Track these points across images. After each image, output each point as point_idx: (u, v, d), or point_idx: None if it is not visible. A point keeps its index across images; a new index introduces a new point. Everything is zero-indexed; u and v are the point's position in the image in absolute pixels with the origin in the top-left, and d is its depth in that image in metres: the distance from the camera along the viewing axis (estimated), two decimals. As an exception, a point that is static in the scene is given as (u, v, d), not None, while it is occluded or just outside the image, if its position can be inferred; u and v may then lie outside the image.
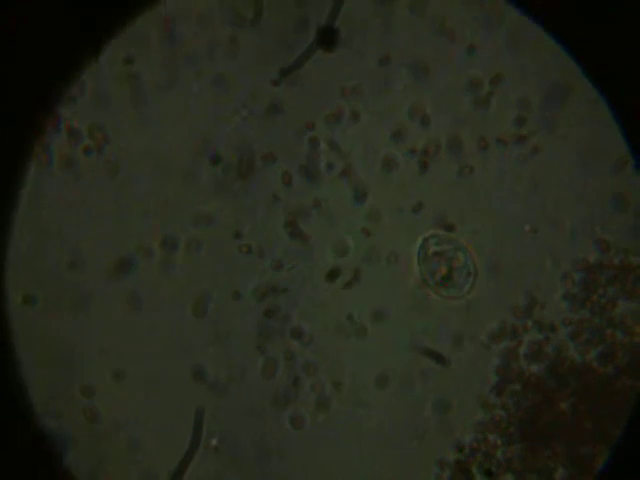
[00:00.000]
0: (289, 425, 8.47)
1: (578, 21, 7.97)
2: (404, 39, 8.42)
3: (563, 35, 8.02)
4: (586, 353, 8.42)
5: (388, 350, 8.48)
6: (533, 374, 8.43)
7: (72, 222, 8.43)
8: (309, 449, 8.49)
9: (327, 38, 8.17)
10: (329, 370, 8.47)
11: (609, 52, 7.97)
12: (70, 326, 8.42)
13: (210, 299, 8.44)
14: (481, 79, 8.39)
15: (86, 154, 8.41)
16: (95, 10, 8.00)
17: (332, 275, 8.35)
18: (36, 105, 8.04)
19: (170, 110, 8.43)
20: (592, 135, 8.40)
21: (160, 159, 8.44)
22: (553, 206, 8.44)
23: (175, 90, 8.41)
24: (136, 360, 8.43)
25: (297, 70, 8.26)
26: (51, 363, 8.41)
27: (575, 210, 8.44)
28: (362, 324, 8.44)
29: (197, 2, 8.34)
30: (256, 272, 8.45)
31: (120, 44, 8.29)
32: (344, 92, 8.41)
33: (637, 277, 8.40)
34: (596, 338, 8.42)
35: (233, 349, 8.46)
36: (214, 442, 8.41)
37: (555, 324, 8.41)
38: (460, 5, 8.35)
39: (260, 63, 8.38)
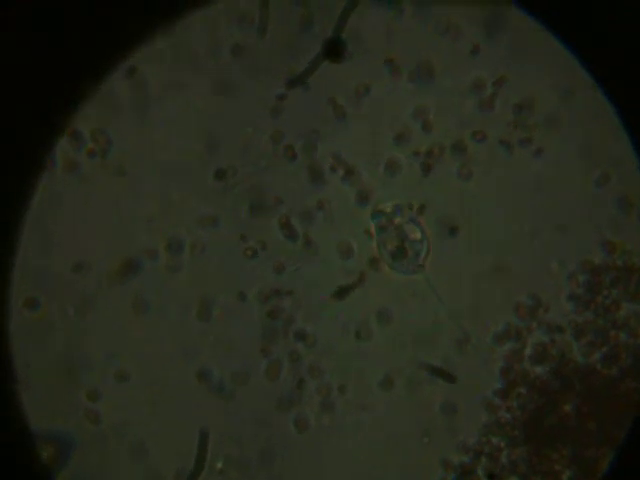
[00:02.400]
0: (293, 428, 8.46)
1: (580, 19, 7.97)
2: (408, 41, 8.43)
3: (565, 34, 8.03)
4: (590, 355, 8.42)
5: (394, 352, 8.48)
6: (538, 376, 8.43)
7: (76, 225, 8.43)
8: (313, 452, 8.47)
9: (334, 49, 8.17)
10: (333, 372, 8.46)
11: (612, 51, 7.97)
12: (75, 329, 8.41)
13: (215, 302, 8.43)
14: (485, 81, 8.39)
15: (90, 157, 8.40)
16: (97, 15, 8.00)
17: (340, 293, 8.39)
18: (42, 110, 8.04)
19: (173, 113, 8.43)
20: (596, 135, 8.40)
21: (164, 161, 8.44)
22: (557, 207, 8.44)
23: (178, 93, 8.41)
24: (141, 363, 8.42)
25: (303, 81, 8.27)
26: (55, 366, 8.40)
27: (579, 211, 8.44)
28: (369, 336, 8.44)
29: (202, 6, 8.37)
30: (261, 275, 8.45)
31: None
32: (348, 94, 8.42)
33: (640, 279, 8.43)
34: (600, 340, 8.41)
35: (237, 352, 8.45)
36: (219, 465, 8.39)
37: (560, 325, 8.41)
38: (464, 6, 8.35)
39: (265, 68, 8.39)
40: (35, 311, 8.39)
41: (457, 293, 8.47)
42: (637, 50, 7.91)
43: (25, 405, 8.31)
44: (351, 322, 8.47)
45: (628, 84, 7.95)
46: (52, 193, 8.42)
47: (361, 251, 8.47)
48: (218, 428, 8.45)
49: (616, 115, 8.11)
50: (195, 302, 8.44)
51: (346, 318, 8.48)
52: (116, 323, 8.43)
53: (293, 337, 8.44)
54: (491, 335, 8.45)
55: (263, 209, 8.28)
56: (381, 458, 8.49)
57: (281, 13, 8.33)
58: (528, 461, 8.39)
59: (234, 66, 8.41)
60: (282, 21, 8.34)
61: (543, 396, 8.41)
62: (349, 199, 8.47)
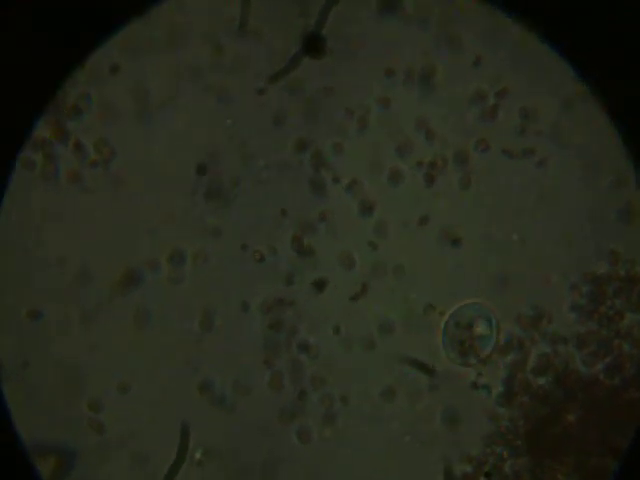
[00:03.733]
0: (295, 439, 8.46)
1: (580, 31, 7.97)
2: (409, 51, 8.43)
3: (563, 44, 8.03)
4: (593, 365, 8.41)
5: (395, 362, 8.47)
6: (540, 386, 8.42)
7: (78, 236, 8.43)
8: (315, 463, 8.47)
9: (313, 45, 8.19)
10: (336, 383, 8.46)
11: (611, 62, 7.98)
12: (77, 340, 8.41)
13: (217, 313, 8.43)
14: (487, 92, 8.39)
15: (92, 168, 8.40)
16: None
17: (319, 285, 8.37)
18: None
19: (176, 122, 8.43)
20: (598, 145, 8.40)
21: (166, 172, 8.44)
22: (560, 217, 8.44)
23: (181, 103, 8.42)
24: (142, 374, 8.42)
25: (284, 77, 8.26)
26: (57, 377, 8.40)
27: (582, 221, 8.43)
28: (351, 337, 8.43)
29: (201, 14, 8.36)
30: (263, 285, 8.45)
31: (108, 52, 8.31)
32: (350, 105, 8.42)
33: (643, 289, 8.42)
34: (603, 350, 8.41)
35: (240, 363, 8.45)
36: (198, 455, 8.39)
37: (563, 336, 8.40)
38: (466, 17, 8.36)
39: (265, 76, 8.40)
40: (37, 322, 8.39)
41: (460, 303, 8.47)
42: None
43: (26, 417, 8.32)
44: (353, 333, 8.49)
45: (627, 90, 7.95)
46: (54, 203, 8.42)
47: (363, 262, 8.47)
48: (220, 439, 8.45)
49: (614, 124, 8.11)
50: (197, 313, 8.44)
51: (348, 329, 8.48)
52: (118, 334, 8.43)
53: (296, 348, 8.44)
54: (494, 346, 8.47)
55: (220, 195, 8.26)
56: (383, 469, 8.49)
57: (284, 24, 8.34)
58: (532, 471, 8.38)
59: (236, 75, 8.41)
60: (285, 32, 8.34)
61: (546, 406, 8.40)
62: (352, 210, 8.47)
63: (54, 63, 7.99)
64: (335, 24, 8.35)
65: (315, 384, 8.44)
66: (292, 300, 8.44)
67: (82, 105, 8.36)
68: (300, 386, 8.43)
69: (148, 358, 8.42)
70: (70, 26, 7.99)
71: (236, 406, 8.45)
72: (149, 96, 8.37)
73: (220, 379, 8.44)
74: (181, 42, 8.37)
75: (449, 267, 8.47)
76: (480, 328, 8.39)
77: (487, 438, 8.44)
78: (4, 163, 8.03)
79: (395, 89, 8.41)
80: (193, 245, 8.44)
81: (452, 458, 8.44)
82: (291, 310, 8.44)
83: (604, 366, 8.40)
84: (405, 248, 8.48)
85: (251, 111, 8.41)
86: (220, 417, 8.45)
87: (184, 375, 8.44)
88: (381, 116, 8.42)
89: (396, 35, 8.38)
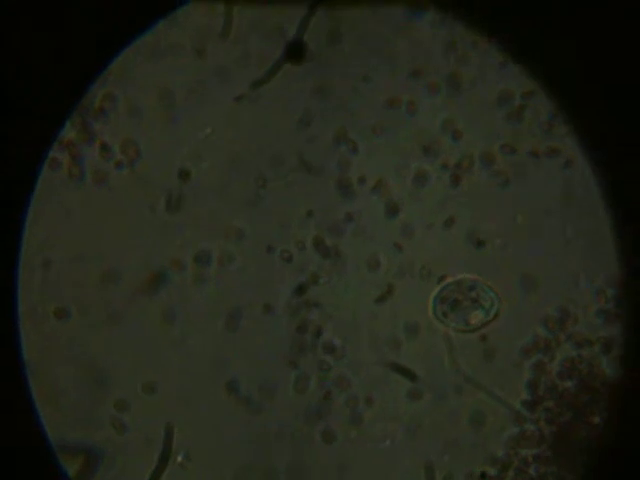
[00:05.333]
0: (320, 440, 8.46)
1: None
2: (435, 53, 8.43)
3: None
4: (619, 368, 8.39)
5: (421, 364, 8.48)
6: (566, 389, 8.40)
7: (104, 236, 8.46)
8: (341, 465, 8.47)
9: (295, 51, 8.21)
10: (361, 385, 8.47)
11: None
12: (103, 339, 8.45)
13: (242, 314, 8.45)
14: (513, 93, 8.38)
15: (118, 169, 8.44)
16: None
17: (300, 289, 8.38)
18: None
19: (202, 124, 8.46)
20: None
21: (193, 173, 8.47)
22: (586, 219, 8.42)
23: (206, 104, 8.44)
24: (168, 375, 8.44)
25: (264, 84, 8.28)
26: (83, 376, 8.43)
27: (608, 224, 8.41)
28: (377, 338, 8.42)
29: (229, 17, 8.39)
30: (288, 286, 8.46)
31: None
32: (375, 107, 8.43)
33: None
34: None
35: (265, 364, 8.46)
36: (180, 458, 8.40)
37: (588, 339, 8.38)
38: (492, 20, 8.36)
39: (293, 80, 8.41)
40: (64, 321, 8.43)
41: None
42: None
43: (51, 417, 8.36)
44: (379, 334, 8.50)
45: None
46: (79, 203, 8.46)
47: (390, 263, 8.48)
48: (246, 439, 8.46)
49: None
50: (223, 314, 8.46)
51: (374, 330, 8.49)
52: (144, 334, 8.46)
53: (321, 349, 8.45)
54: (519, 348, 8.45)
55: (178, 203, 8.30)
56: (407, 470, 8.49)
57: (310, 28, 8.36)
58: (557, 474, 8.36)
59: (261, 78, 8.43)
60: (310, 36, 8.36)
61: (571, 409, 8.38)
62: (377, 211, 8.48)
63: (81, 64, 8.03)
64: (361, 25, 8.37)
65: (341, 385, 8.45)
66: (317, 302, 8.46)
67: (108, 106, 8.40)
68: (325, 387, 8.44)
69: (173, 358, 8.45)
70: (96, 28, 8.03)
71: (261, 407, 8.46)
72: (176, 97, 8.40)
73: (245, 380, 8.45)
74: (208, 44, 8.40)
75: (475, 268, 8.46)
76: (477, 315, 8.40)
77: (512, 441, 8.42)
78: (31, 164, 8.07)
79: (421, 90, 8.41)
80: (219, 246, 8.46)
81: (476, 460, 8.44)
82: (316, 311, 8.45)
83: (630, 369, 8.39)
84: (431, 249, 8.48)
85: (278, 111, 8.43)
86: (245, 418, 8.47)
87: (209, 376, 8.46)
88: (407, 117, 8.43)
89: (423, 36, 8.38)
